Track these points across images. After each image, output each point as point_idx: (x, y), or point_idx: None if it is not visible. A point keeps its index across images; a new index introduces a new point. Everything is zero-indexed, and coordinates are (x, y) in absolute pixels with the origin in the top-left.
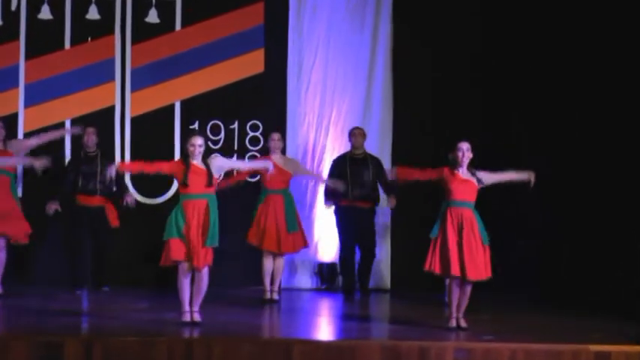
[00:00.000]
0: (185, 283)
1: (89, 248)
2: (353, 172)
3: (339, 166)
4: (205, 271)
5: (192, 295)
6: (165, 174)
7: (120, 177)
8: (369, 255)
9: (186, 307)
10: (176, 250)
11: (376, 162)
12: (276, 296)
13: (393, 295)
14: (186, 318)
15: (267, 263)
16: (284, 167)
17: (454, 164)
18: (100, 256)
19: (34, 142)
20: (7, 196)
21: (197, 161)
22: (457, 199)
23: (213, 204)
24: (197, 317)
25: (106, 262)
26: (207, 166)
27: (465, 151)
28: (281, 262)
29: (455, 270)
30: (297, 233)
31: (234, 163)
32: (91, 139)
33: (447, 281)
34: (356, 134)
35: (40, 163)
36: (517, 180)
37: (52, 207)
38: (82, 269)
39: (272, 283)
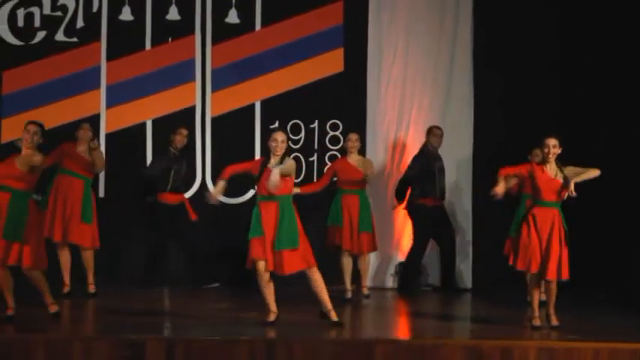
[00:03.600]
0: (265, 283)
1: (175, 246)
2: (426, 170)
3: (415, 163)
4: (314, 271)
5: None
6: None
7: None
8: (448, 254)
9: (272, 307)
10: (256, 248)
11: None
12: (365, 292)
13: (475, 294)
14: (271, 318)
15: (347, 262)
16: (360, 168)
17: (541, 160)
18: (191, 253)
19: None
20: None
21: (274, 162)
22: (544, 200)
23: (287, 205)
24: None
25: (189, 261)
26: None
27: (552, 147)
28: (366, 259)
29: (534, 267)
30: (370, 234)
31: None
32: (182, 140)
33: (528, 280)
34: (437, 135)
35: None
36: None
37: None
38: (164, 268)
39: (361, 280)
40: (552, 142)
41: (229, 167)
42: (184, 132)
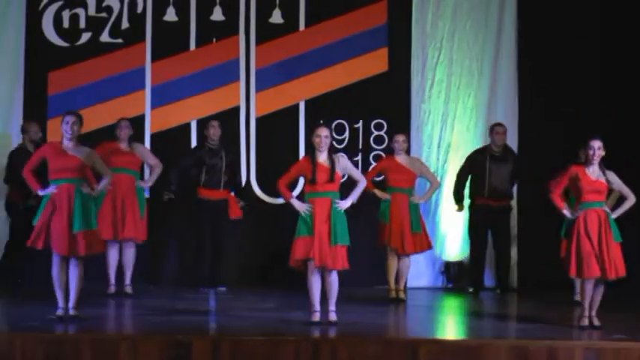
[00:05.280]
0: (314, 282)
1: (210, 246)
2: (490, 169)
3: (476, 161)
4: (334, 271)
5: (325, 294)
6: (297, 177)
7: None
8: (504, 254)
9: (316, 307)
10: (303, 247)
11: (515, 157)
12: (402, 295)
13: (521, 294)
14: (316, 318)
15: (392, 262)
16: (409, 167)
17: (585, 162)
18: (218, 254)
19: (152, 162)
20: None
21: (323, 157)
22: (589, 200)
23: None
24: (333, 317)
25: (223, 261)
26: (332, 161)
27: (597, 149)
28: (407, 261)
29: (594, 271)
30: (421, 234)
31: (355, 173)
32: (216, 132)
33: (578, 280)
34: (500, 132)
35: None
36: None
37: (166, 197)
38: (206, 267)
39: (398, 282)
40: (597, 144)
41: (282, 184)
42: (214, 123)
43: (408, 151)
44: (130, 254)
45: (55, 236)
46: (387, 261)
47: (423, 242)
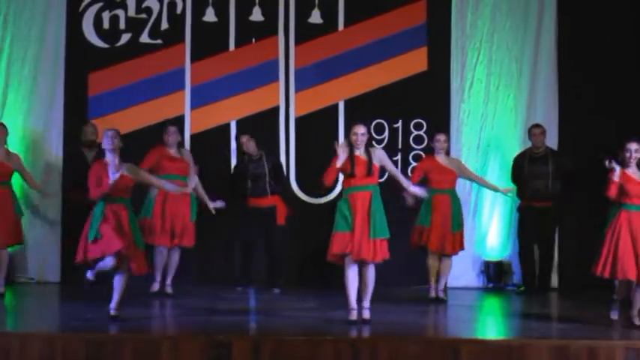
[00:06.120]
0: (351, 278)
1: (261, 248)
2: (530, 170)
3: (518, 164)
4: (372, 266)
5: (360, 291)
6: (339, 170)
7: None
8: (546, 255)
9: (353, 305)
10: (340, 243)
11: (558, 158)
12: (442, 295)
13: (561, 294)
14: (353, 316)
15: (433, 262)
16: (450, 167)
17: (622, 165)
18: (273, 257)
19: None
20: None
21: (360, 151)
22: (632, 203)
23: (377, 195)
24: (366, 314)
25: (280, 263)
26: (369, 154)
27: (634, 151)
28: (448, 261)
29: (632, 274)
30: (461, 233)
31: (390, 165)
32: (250, 145)
33: (617, 281)
34: (536, 134)
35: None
36: None
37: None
38: (248, 268)
39: (438, 282)
40: (634, 146)
41: (328, 180)
42: (244, 139)
43: (447, 151)
44: (175, 256)
45: (142, 259)
46: (428, 261)
47: (459, 242)
